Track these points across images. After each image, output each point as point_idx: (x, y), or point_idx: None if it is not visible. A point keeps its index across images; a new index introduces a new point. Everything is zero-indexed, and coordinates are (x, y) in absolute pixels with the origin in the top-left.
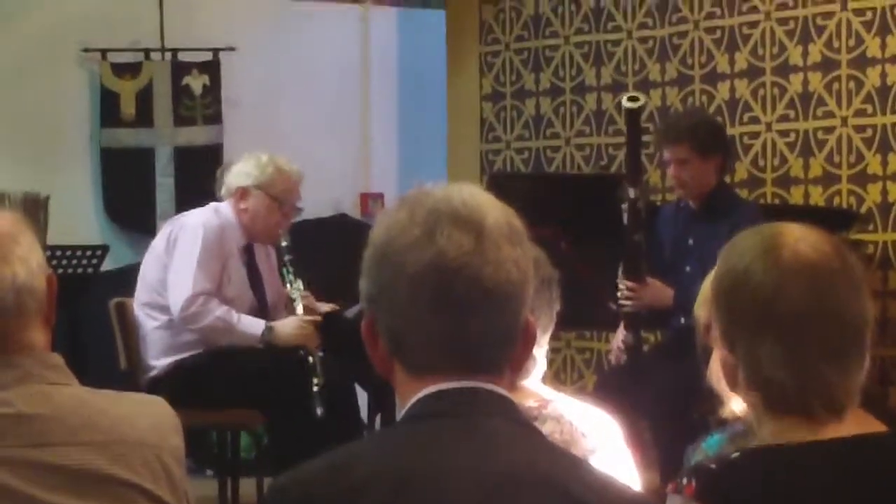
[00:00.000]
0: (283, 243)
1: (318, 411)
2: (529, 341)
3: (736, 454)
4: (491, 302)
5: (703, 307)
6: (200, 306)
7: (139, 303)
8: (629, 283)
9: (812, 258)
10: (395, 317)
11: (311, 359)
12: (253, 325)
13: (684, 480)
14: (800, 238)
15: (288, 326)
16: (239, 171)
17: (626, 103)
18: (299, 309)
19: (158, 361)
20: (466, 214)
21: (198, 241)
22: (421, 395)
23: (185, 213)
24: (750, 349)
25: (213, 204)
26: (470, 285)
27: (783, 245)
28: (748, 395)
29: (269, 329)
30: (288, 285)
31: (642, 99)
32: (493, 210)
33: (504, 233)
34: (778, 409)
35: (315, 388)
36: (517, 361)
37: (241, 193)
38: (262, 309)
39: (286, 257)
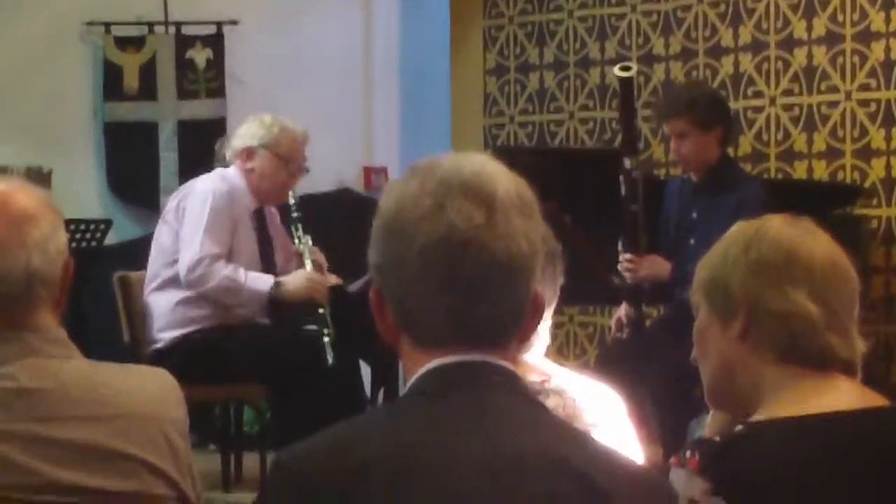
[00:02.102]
0: (291, 201)
1: (330, 360)
2: (538, 314)
3: (739, 428)
4: (500, 277)
5: (697, 292)
6: (206, 267)
7: (150, 276)
8: (627, 255)
9: (808, 235)
10: (403, 289)
11: (321, 310)
12: (261, 282)
13: (688, 454)
14: (786, 224)
15: (296, 281)
16: (244, 133)
17: (617, 72)
18: (308, 265)
19: (165, 334)
20: (477, 186)
21: (207, 206)
22: (426, 368)
23: (193, 181)
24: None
25: (219, 170)
26: (480, 260)
27: (770, 228)
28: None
29: (277, 284)
30: (296, 241)
31: (634, 67)
32: (505, 181)
33: (515, 204)
34: (784, 361)
35: (326, 339)
36: (525, 334)
37: (247, 154)
38: (271, 273)
39: (294, 214)
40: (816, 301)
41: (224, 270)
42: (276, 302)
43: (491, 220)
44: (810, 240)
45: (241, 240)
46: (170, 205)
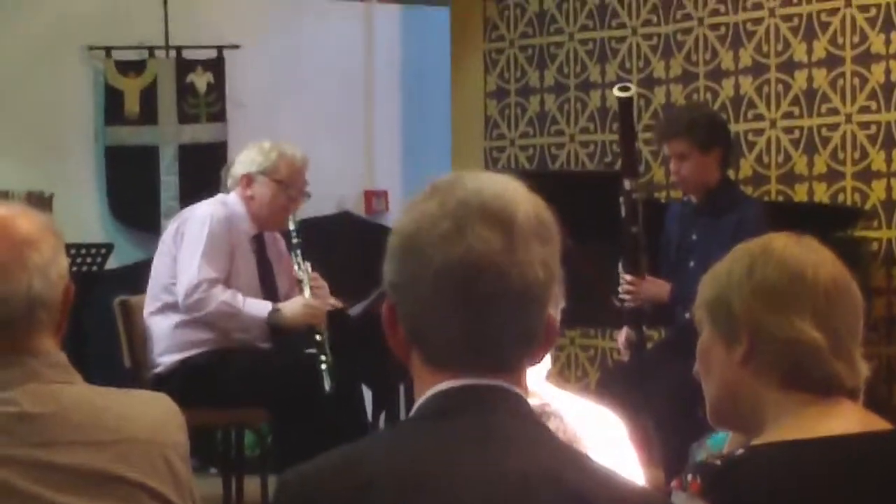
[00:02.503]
0: (291, 226)
1: (327, 387)
2: (551, 338)
3: (741, 451)
4: (515, 302)
5: (700, 309)
6: (204, 292)
7: (150, 300)
8: (628, 278)
9: (813, 255)
10: (416, 309)
11: (318, 336)
12: (259, 308)
13: (689, 477)
14: (792, 243)
15: (294, 307)
16: (243, 160)
17: (617, 93)
18: (307, 291)
19: (165, 358)
20: (498, 209)
21: (204, 231)
22: (434, 391)
23: (193, 205)
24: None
25: (220, 195)
26: (496, 286)
27: (775, 248)
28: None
29: (275, 310)
30: (296, 267)
31: (633, 88)
32: (525, 204)
33: (534, 229)
34: (787, 386)
35: (324, 366)
36: (536, 358)
37: (247, 181)
38: (272, 300)
39: (294, 240)
40: (820, 327)
41: (222, 296)
42: (275, 328)
43: (509, 246)
44: (815, 261)
45: (240, 265)
46: (169, 229)
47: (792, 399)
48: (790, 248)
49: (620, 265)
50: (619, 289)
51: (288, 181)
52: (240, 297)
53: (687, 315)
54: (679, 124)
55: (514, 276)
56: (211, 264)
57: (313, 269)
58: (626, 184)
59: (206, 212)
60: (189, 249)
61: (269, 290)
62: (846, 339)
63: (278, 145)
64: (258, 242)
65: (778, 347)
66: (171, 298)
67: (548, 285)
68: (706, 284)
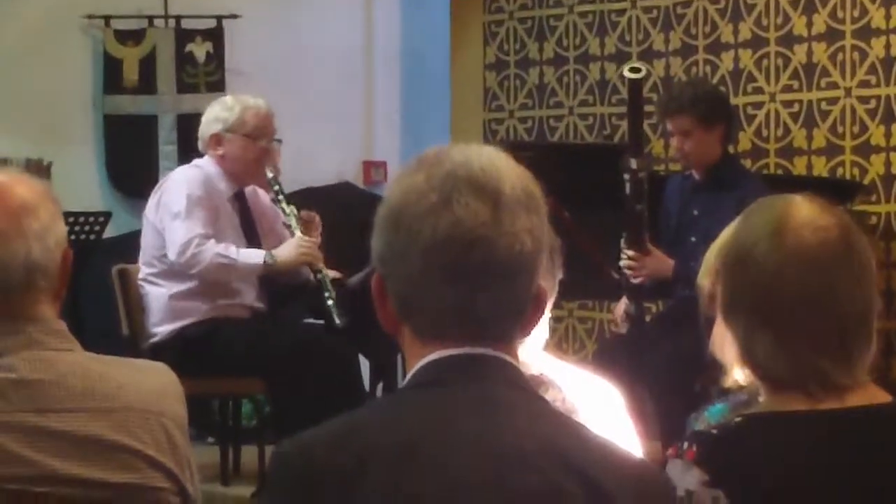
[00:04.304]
0: (269, 174)
1: (338, 321)
2: (540, 308)
3: (738, 420)
4: (505, 274)
5: (706, 276)
6: (196, 247)
7: (142, 272)
8: (631, 253)
9: (814, 248)
10: (406, 282)
11: (318, 275)
12: (253, 256)
13: (685, 445)
14: (807, 222)
15: (289, 249)
16: (208, 119)
17: (627, 73)
18: (297, 232)
19: (161, 328)
20: (484, 181)
21: (182, 194)
22: (427, 360)
23: (169, 174)
24: (746, 330)
25: (194, 160)
26: (484, 257)
27: (789, 228)
28: (745, 368)
29: (270, 255)
30: (281, 212)
31: (644, 69)
32: (511, 176)
33: (521, 200)
34: (773, 386)
35: (330, 302)
36: (527, 328)
37: (216, 140)
38: None
39: (276, 187)
40: (780, 346)
41: (215, 248)
42: (272, 285)
43: (497, 217)
44: (799, 268)
45: (225, 225)
46: (150, 201)
47: (772, 392)
48: (775, 255)
49: (623, 241)
50: (621, 264)
51: (257, 133)
52: (233, 248)
53: (687, 291)
54: (682, 100)
55: (503, 247)
56: (196, 221)
57: (299, 211)
58: (633, 162)
59: (181, 176)
60: (171, 213)
61: (255, 247)
62: (816, 359)
63: (240, 99)
64: (240, 201)
65: (745, 356)
66: (162, 267)
67: (536, 255)
68: (713, 254)
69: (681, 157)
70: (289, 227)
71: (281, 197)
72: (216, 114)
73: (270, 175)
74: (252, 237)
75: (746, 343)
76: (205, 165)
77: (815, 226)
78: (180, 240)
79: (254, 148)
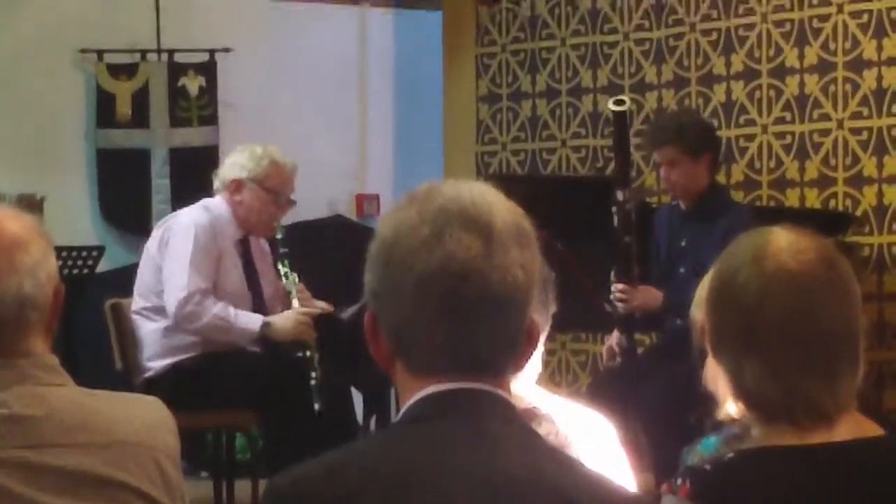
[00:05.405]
0: (279, 236)
1: (316, 406)
2: (533, 342)
3: (731, 455)
4: (497, 307)
5: (699, 308)
6: (196, 305)
7: (136, 305)
8: (620, 286)
9: (794, 270)
10: (398, 317)
11: (307, 353)
12: (250, 321)
13: (679, 481)
14: (786, 247)
15: (285, 320)
16: (233, 163)
17: (612, 106)
18: (295, 303)
19: (154, 363)
20: (476, 215)
21: (189, 240)
22: (421, 395)
23: (175, 213)
24: (733, 360)
25: (203, 200)
26: (477, 291)
27: (769, 254)
28: (735, 402)
29: (266, 324)
30: (283, 279)
31: (628, 101)
32: (503, 210)
33: (512, 234)
34: (763, 417)
35: (313, 383)
36: (520, 362)
37: (236, 186)
38: (259, 303)
39: (281, 250)
40: (768, 371)
41: (214, 308)
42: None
43: (488, 251)
44: (781, 295)
45: (227, 270)
46: (153, 235)
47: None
48: (756, 281)
49: (613, 273)
50: (611, 297)
51: (278, 189)
52: (231, 309)
53: (679, 321)
54: (668, 131)
55: (495, 281)
56: (200, 273)
57: (305, 269)
58: (619, 194)
59: (189, 220)
60: (175, 259)
61: (256, 293)
62: (804, 383)
63: (269, 152)
64: (244, 246)
65: (734, 386)
66: (157, 302)
67: (528, 289)
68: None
69: (668, 187)
70: (288, 294)
71: (286, 261)
72: (243, 161)
73: (280, 237)
74: (254, 283)
75: (735, 372)
76: (214, 208)
77: (794, 249)
78: (180, 293)
79: (271, 203)
